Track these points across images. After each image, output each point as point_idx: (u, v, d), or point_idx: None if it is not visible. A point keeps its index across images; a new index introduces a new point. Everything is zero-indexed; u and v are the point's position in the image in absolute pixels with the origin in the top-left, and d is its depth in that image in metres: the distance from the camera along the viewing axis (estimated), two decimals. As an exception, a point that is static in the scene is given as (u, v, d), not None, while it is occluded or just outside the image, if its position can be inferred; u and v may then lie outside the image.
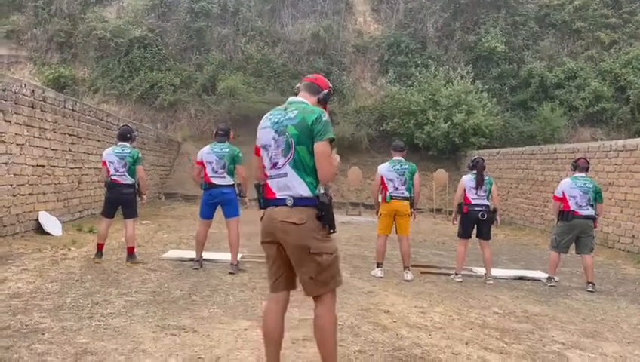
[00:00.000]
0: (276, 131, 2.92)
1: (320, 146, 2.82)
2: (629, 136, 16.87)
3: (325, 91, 3.10)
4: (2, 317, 4.04)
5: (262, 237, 2.98)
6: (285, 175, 2.86)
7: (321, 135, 2.82)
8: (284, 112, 2.96)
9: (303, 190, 2.82)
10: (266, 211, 2.95)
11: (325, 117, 2.89)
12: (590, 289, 6.41)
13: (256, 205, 3.07)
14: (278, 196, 2.88)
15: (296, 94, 3.12)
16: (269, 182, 2.94)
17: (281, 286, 2.97)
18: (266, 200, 2.95)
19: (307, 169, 2.84)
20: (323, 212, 2.82)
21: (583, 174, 6.72)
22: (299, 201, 2.82)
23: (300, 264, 2.85)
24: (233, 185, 6.32)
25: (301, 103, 2.99)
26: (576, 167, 6.81)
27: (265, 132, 2.98)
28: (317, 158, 2.83)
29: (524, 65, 19.35)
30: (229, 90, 18.45)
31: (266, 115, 3.07)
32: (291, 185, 2.84)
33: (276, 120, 2.96)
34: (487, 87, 18.44)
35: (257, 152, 3.08)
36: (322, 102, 3.09)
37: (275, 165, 2.91)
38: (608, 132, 18.71)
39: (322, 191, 2.85)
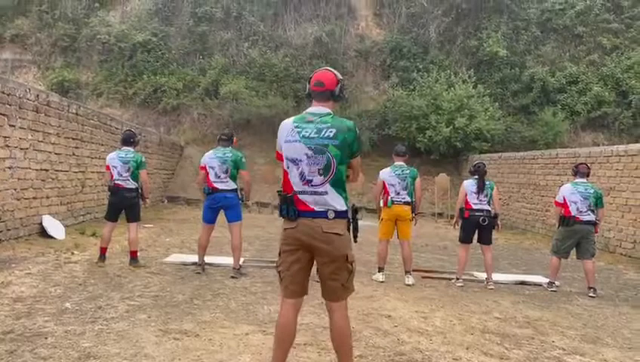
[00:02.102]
0: (311, 148, 2.95)
1: (357, 160, 3.13)
2: (630, 140, 16.85)
3: (336, 91, 3.09)
4: (6, 321, 4.07)
5: (290, 245, 3.01)
6: (325, 193, 2.97)
7: (359, 151, 3.09)
8: (314, 126, 2.98)
9: (341, 205, 3.00)
10: (299, 221, 2.97)
11: (358, 131, 3.08)
12: (591, 294, 6.42)
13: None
14: (316, 209, 2.97)
15: (308, 96, 3.13)
16: (300, 196, 2.98)
17: (299, 293, 3.06)
18: (300, 211, 2.98)
19: (343, 185, 3.04)
20: (353, 223, 3.05)
21: (584, 180, 6.74)
22: (339, 214, 2.98)
23: (335, 272, 3.00)
24: (236, 189, 6.35)
25: (328, 116, 3.03)
26: (576, 172, 6.84)
27: (293, 146, 2.99)
28: (353, 169, 3.12)
29: (526, 69, 19.36)
30: (231, 94, 18.52)
31: (287, 125, 3.05)
32: (332, 201, 2.98)
33: (307, 135, 2.97)
34: (489, 91, 18.45)
35: (281, 158, 3.10)
36: (339, 99, 3.14)
37: (309, 182, 2.97)
38: (610, 137, 18.70)
39: (351, 205, 3.06)
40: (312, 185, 2.96)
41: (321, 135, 2.96)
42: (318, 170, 2.95)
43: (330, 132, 2.97)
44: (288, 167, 3.02)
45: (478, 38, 19.92)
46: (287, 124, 3.07)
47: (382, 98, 19.45)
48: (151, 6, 20.71)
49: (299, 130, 3.00)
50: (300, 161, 2.97)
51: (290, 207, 2.99)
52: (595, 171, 10.42)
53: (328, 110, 3.07)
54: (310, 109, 3.10)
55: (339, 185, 3.00)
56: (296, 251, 3.01)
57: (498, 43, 19.22)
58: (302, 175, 2.97)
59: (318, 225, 2.94)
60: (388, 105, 18.74)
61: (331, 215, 2.95)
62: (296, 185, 2.99)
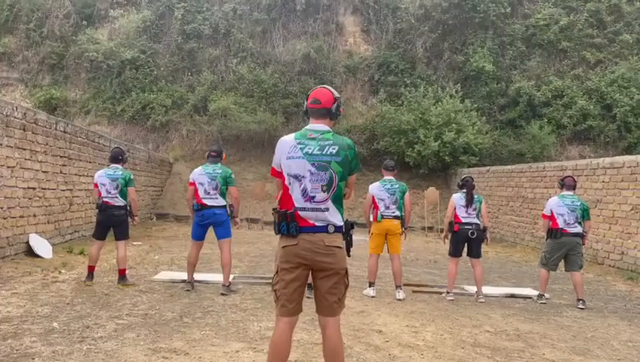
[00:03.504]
0: (314, 165, 2.98)
1: (353, 178, 3.18)
2: (616, 153, 17.09)
3: (332, 108, 3.13)
4: (-8, 342, 4.01)
5: (289, 263, 3.00)
6: (327, 209, 3.01)
7: (357, 168, 3.15)
8: (316, 143, 3.02)
9: (339, 220, 3.05)
10: (300, 237, 2.98)
11: (356, 149, 3.15)
12: (580, 306, 6.46)
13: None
14: (317, 224, 2.99)
15: (305, 113, 3.18)
16: (301, 213, 2.99)
17: (294, 311, 3.06)
18: (300, 227, 2.99)
19: (341, 201, 3.08)
20: (347, 238, 3.09)
21: (571, 192, 6.81)
22: (337, 229, 3.04)
23: (334, 286, 3.03)
24: (225, 206, 6.33)
25: (329, 133, 3.08)
26: (563, 185, 6.91)
27: (297, 162, 3.01)
28: (348, 187, 3.15)
29: (512, 84, 19.61)
30: (220, 111, 18.54)
31: (288, 142, 3.07)
32: (331, 217, 3.02)
33: (310, 151, 3.00)
34: (476, 105, 18.65)
35: (277, 175, 3.12)
36: (335, 116, 3.18)
37: (311, 198, 2.99)
38: (596, 149, 18.93)
39: (345, 220, 3.09)
40: (314, 202, 2.99)
41: (324, 152, 3.00)
42: (321, 186, 2.98)
43: (333, 149, 3.01)
44: (290, 183, 3.03)
45: (464, 53, 20.18)
46: (288, 140, 3.08)
47: (370, 113, 19.58)
48: (139, 23, 20.74)
49: (301, 146, 3.02)
50: (303, 177, 2.99)
51: (291, 223, 2.99)
52: (582, 184, 10.54)
53: (327, 127, 3.12)
54: (310, 126, 3.13)
55: (338, 201, 3.05)
56: (295, 269, 3.00)
57: (484, 58, 19.48)
58: (304, 191, 2.99)
59: (319, 239, 2.97)
60: (376, 120, 18.87)
61: (331, 229, 3.00)
62: (298, 201, 3.01)
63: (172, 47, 20.54)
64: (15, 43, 20.86)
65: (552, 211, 6.75)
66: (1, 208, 7.51)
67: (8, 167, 7.72)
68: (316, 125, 3.11)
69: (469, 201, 6.62)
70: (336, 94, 3.18)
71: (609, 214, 10.12)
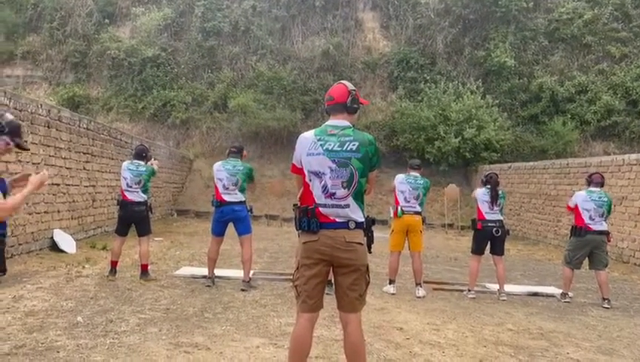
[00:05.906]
0: (335, 161, 2.96)
1: (374, 174, 3.14)
2: (642, 149, 16.71)
3: (347, 102, 3.08)
4: (18, 336, 4.08)
5: (310, 259, 3.00)
6: (348, 206, 2.99)
7: (377, 164, 3.10)
8: (337, 140, 2.99)
9: (360, 216, 3.03)
10: (321, 233, 2.97)
11: (377, 145, 3.11)
12: (605, 305, 6.34)
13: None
14: (338, 220, 2.98)
15: (326, 110, 3.16)
16: (321, 209, 2.98)
17: (315, 307, 3.05)
18: (321, 223, 2.98)
19: (362, 197, 3.05)
20: (369, 234, 3.07)
21: (598, 189, 6.67)
22: (358, 225, 3.01)
23: (354, 283, 3.01)
24: (244, 201, 6.35)
25: (349, 129, 3.05)
26: (590, 182, 6.76)
27: (317, 159, 2.99)
28: (369, 182, 3.10)
29: (534, 79, 19.30)
30: (240, 108, 18.62)
31: (308, 138, 3.05)
32: (352, 214, 3.00)
33: (330, 148, 2.98)
34: (497, 101, 18.41)
35: (298, 171, 3.11)
36: (352, 110, 3.13)
37: (332, 195, 2.98)
38: (621, 145, 18.55)
39: (366, 215, 3.07)
40: (334, 198, 2.97)
41: (345, 148, 2.98)
42: (342, 182, 2.96)
43: (353, 145, 2.98)
44: (310, 180, 3.02)
45: (485, 48, 19.91)
46: (308, 137, 3.06)
47: (390, 109, 19.46)
48: (160, 21, 20.91)
49: (322, 143, 3.00)
50: (324, 173, 2.97)
51: (311, 219, 2.98)
52: (607, 180, 10.25)
53: (348, 123, 3.08)
54: (330, 122, 3.11)
55: (359, 197, 3.02)
56: (315, 265, 2.99)
57: (506, 53, 19.20)
58: (325, 188, 2.98)
59: (340, 235, 2.96)
60: (396, 117, 18.75)
61: (352, 225, 2.98)
62: (318, 197, 2.99)
63: (192, 44, 20.69)
64: (39, 42, 21.22)
65: (577, 205, 6.62)
66: (27, 204, 7.64)
67: (33, 163, 7.85)
68: (336, 121, 3.09)
69: (494, 198, 6.55)
70: (351, 87, 3.13)
71: (635, 211, 9.91)
